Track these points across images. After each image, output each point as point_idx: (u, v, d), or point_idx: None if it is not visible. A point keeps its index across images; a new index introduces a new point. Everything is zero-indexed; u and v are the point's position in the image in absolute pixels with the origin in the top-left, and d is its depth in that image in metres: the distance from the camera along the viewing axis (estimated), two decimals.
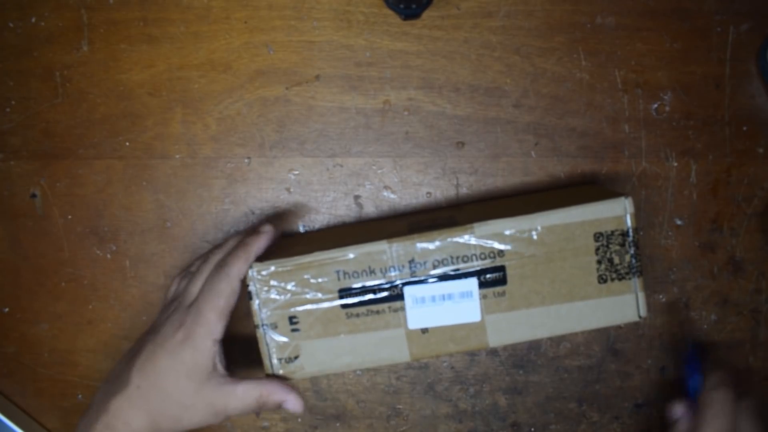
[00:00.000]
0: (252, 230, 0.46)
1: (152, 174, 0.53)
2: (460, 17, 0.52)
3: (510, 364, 0.54)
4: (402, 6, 0.49)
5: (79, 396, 0.55)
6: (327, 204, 0.53)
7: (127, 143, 0.53)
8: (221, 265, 0.43)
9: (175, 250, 0.54)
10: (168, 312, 0.45)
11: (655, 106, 0.52)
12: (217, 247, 0.47)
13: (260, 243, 0.45)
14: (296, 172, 0.53)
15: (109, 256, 0.54)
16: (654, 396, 0.54)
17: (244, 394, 0.43)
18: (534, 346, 0.54)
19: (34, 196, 0.54)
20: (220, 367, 0.43)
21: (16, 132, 0.54)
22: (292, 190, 0.53)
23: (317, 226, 0.53)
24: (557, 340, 0.53)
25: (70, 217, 0.54)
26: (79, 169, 0.54)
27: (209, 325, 0.42)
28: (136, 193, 0.54)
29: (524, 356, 0.54)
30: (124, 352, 0.46)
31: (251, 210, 0.54)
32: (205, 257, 0.47)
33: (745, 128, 0.52)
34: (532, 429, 0.54)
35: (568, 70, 0.52)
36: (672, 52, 0.52)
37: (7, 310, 0.55)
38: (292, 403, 0.44)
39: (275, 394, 0.43)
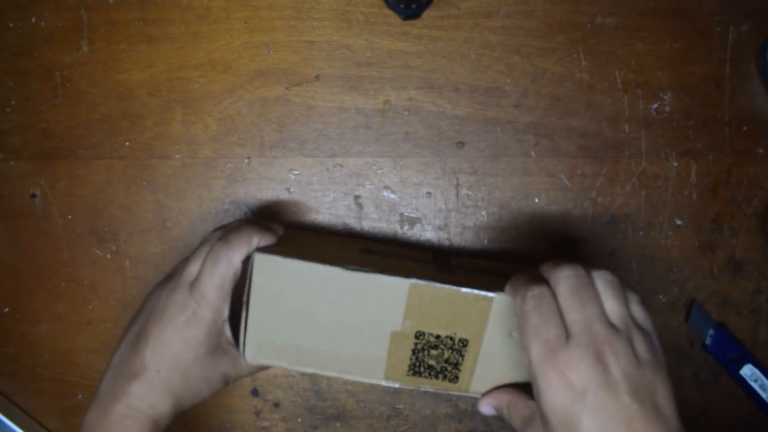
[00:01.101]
0: (257, 220, 0.46)
1: (152, 174, 0.53)
2: (460, 17, 0.52)
3: None
4: (402, 6, 0.49)
5: (79, 396, 0.55)
6: (327, 204, 0.53)
7: (127, 143, 0.53)
8: (223, 246, 0.42)
9: (175, 250, 0.54)
10: (167, 291, 0.44)
11: (655, 106, 0.52)
12: (219, 228, 0.46)
13: (267, 236, 0.44)
14: (296, 172, 0.53)
15: (109, 256, 0.54)
16: None
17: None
18: None
19: (34, 196, 0.54)
20: (231, 338, 0.44)
21: (16, 132, 0.54)
22: (292, 190, 0.53)
23: (317, 226, 0.53)
24: None
25: (70, 217, 0.54)
26: (79, 169, 0.54)
27: (215, 307, 0.42)
28: (136, 193, 0.54)
29: None
30: (123, 335, 0.45)
31: (251, 210, 0.54)
32: (206, 238, 0.46)
33: (745, 128, 0.52)
34: None
35: (568, 70, 0.52)
36: (672, 52, 0.52)
37: (7, 310, 0.55)
38: None
39: None
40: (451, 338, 0.43)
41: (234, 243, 0.42)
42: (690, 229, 0.53)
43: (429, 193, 0.53)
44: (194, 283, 0.43)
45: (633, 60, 0.52)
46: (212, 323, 0.43)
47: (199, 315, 0.42)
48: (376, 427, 0.55)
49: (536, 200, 0.53)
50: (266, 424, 0.55)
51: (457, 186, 0.53)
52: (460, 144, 0.53)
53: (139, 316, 0.45)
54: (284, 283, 0.42)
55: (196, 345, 0.42)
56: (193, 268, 0.44)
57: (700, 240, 0.53)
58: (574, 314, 0.36)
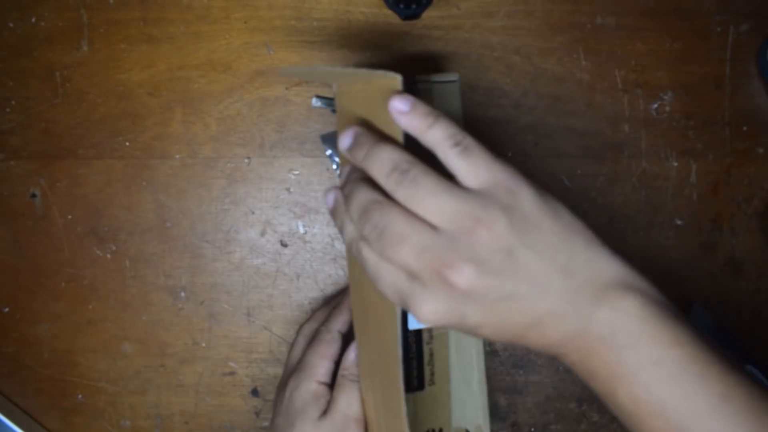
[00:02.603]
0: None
1: (152, 174, 0.53)
2: (460, 17, 0.52)
3: (510, 364, 0.54)
4: (402, 6, 0.49)
5: (79, 396, 0.55)
6: None
7: (127, 143, 0.53)
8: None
9: (175, 250, 0.54)
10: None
11: (655, 106, 0.52)
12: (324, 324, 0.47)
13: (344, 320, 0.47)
14: (296, 172, 0.53)
15: (109, 256, 0.54)
16: None
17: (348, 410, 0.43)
18: None
19: (34, 196, 0.54)
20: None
21: (16, 132, 0.54)
22: (292, 190, 0.53)
23: (317, 226, 0.53)
24: None
25: (70, 217, 0.54)
26: (79, 169, 0.54)
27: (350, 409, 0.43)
28: (136, 193, 0.54)
29: (524, 356, 0.53)
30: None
31: (251, 210, 0.54)
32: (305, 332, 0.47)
33: (745, 128, 0.52)
34: (532, 429, 0.54)
35: (568, 70, 0.52)
36: (672, 52, 0.52)
37: (7, 310, 0.55)
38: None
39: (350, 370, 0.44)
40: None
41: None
42: (690, 229, 0.53)
43: None
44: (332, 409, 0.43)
45: (633, 60, 0.52)
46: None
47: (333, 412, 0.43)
48: None
49: None
50: (266, 424, 0.55)
51: None
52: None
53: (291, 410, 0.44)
54: None
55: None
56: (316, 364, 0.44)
57: (700, 240, 0.53)
58: None
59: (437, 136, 0.32)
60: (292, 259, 0.54)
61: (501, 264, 0.30)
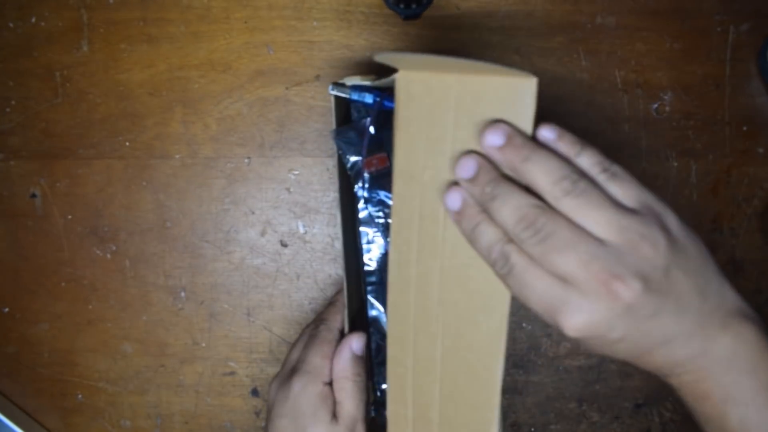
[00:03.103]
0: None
1: (152, 174, 0.53)
2: (460, 17, 0.52)
3: (510, 364, 0.54)
4: (402, 6, 0.49)
5: (79, 396, 0.55)
6: (327, 204, 0.53)
7: (127, 143, 0.53)
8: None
9: (175, 250, 0.54)
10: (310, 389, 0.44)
11: (655, 106, 0.52)
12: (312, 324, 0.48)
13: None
14: (296, 172, 0.53)
15: (109, 256, 0.54)
16: (654, 396, 0.54)
17: (353, 405, 0.44)
18: (534, 346, 0.53)
19: (34, 196, 0.54)
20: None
21: (16, 132, 0.54)
22: (292, 190, 0.53)
23: (317, 226, 0.53)
24: (557, 340, 0.53)
25: (70, 217, 0.54)
26: (79, 169, 0.54)
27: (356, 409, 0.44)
28: (136, 193, 0.54)
29: (524, 356, 0.54)
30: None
31: (251, 210, 0.54)
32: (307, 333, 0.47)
33: (745, 128, 0.52)
34: (532, 429, 0.54)
35: (568, 70, 0.52)
36: (672, 52, 0.52)
37: (7, 310, 0.55)
38: (356, 344, 0.45)
39: (345, 365, 0.44)
40: None
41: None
42: None
43: None
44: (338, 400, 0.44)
45: (633, 60, 0.52)
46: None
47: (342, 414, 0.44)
48: None
49: None
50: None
51: None
52: None
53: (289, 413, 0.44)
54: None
55: None
56: (319, 362, 0.45)
57: None
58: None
59: (585, 162, 0.32)
60: (292, 259, 0.54)
61: (660, 281, 0.31)
